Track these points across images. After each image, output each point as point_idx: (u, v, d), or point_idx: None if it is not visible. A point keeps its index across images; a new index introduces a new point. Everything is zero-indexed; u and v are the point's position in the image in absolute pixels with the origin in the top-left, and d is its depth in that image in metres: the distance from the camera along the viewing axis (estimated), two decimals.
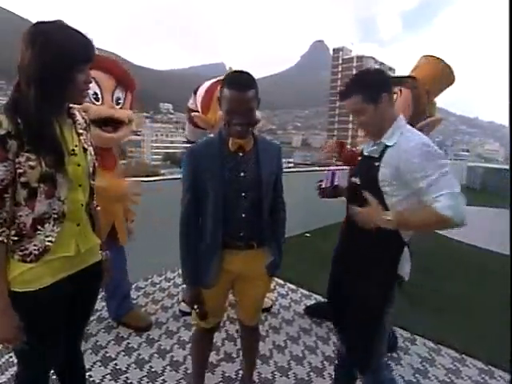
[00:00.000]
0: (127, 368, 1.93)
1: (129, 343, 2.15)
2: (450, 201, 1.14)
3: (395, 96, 1.99)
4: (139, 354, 2.05)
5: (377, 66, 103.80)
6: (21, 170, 0.96)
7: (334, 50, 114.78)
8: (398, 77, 2.11)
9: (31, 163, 0.96)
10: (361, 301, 1.35)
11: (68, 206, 1.05)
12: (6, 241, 0.98)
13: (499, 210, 6.65)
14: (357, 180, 1.38)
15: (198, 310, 1.39)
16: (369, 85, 1.29)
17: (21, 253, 1.00)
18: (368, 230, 1.24)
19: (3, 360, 1.91)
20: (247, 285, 1.49)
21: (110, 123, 1.93)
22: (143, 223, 2.56)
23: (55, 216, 1.03)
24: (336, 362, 1.72)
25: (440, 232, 4.15)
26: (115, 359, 1.99)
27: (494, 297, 3.02)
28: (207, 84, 2.38)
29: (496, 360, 2.14)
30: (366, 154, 1.40)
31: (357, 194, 1.35)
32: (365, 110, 1.29)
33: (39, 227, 1.01)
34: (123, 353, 2.05)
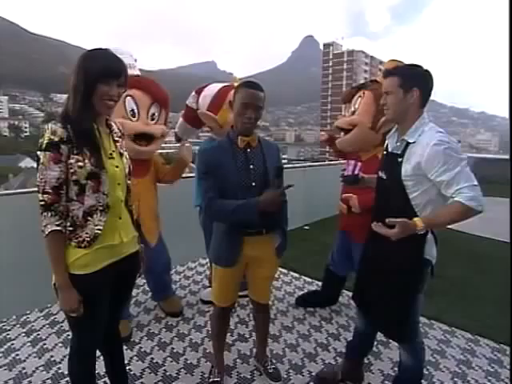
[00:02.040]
0: (151, 350, 2.14)
1: (150, 329, 2.35)
2: (473, 192, 1.26)
3: (359, 99, 2.28)
4: (160, 338, 2.25)
5: (367, 61, 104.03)
6: (72, 170, 1.16)
7: (324, 45, 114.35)
8: (363, 83, 2.41)
9: (80, 164, 1.16)
10: (396, 286, 1.47)
11: (110, 200, 1.25)
12: (64, 230, 1.18)
13: (490, 198, 6.91)
14: (383, 175, 1.55)
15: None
16: (409, 74, 1.43)
17: (76, 240, 1.20)
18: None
19: (37, 347, 2.10)
20: (259, 266, 1.70)
21: (143, 138, 2.16)
22: (176, 216, 2.82)
23: (101, 208, 1.23)
24: (353, 338, 1.89)
25: None
26: (139, 343, 2.20)
27: (482, 278, 3.30)
28: (218, 86, 2.47)
29: (482, 331, 2.40)
30: (390, 150, 1.54)
31: (383, 187, 1.54)
32: (395, 93, 1.43)
33: (89, 218, 1.21)
34: (146, 337, 2.26)
